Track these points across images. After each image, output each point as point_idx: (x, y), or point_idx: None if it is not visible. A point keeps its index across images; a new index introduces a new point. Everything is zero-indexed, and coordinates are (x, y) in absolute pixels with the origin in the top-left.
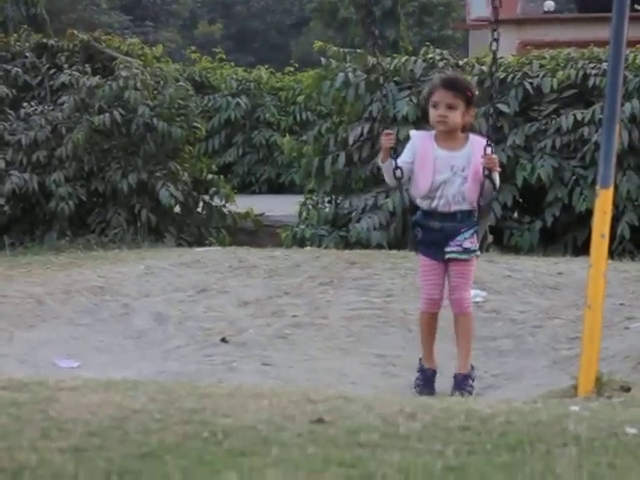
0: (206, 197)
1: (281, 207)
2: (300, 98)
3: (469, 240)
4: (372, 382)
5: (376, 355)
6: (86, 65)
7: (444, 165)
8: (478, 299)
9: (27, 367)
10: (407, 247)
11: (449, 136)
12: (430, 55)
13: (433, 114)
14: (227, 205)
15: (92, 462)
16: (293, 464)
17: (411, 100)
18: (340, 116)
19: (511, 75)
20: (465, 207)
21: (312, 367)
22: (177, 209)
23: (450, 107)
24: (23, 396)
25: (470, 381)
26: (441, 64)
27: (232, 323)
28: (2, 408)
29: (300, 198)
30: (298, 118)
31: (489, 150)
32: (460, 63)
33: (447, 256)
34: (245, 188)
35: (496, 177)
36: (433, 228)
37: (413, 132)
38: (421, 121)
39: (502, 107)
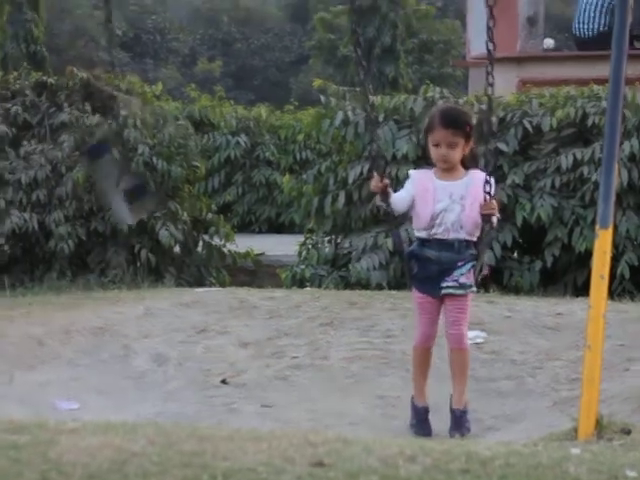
0: (206, 237)
1: (281, 247)
2: (300, 137)
3: (465, 276)
4: (372, 423)
5: (376, 396)
6: (86, 103)
7: (443, 194)
8: (478, 340)
9: (27, 408)
10: (407, 287)
11: (449, 170)
12: (430, 93)
13: (434, 153)
14: (227, 245)
15: None
16: None
17: (411, 139)
18: (340, 155)
19: (510, 114)
20: (462, 236)
21: (312, 408)
22: (177, 249)
23: (451, 145)
24: (23, 438)
25: (467, 416)
26: (441, 102)
27: (232, 364)
28: (2, 450)
29: (300, 238)
30: (298, 157)
31: (488, 188)
32: (460, 102)
33: (443, 292)
34: (245, 227)
35: (494, 219)
36: (430, 259)
37: (412, 171)
38: (421, 160)
39: (501, 146)
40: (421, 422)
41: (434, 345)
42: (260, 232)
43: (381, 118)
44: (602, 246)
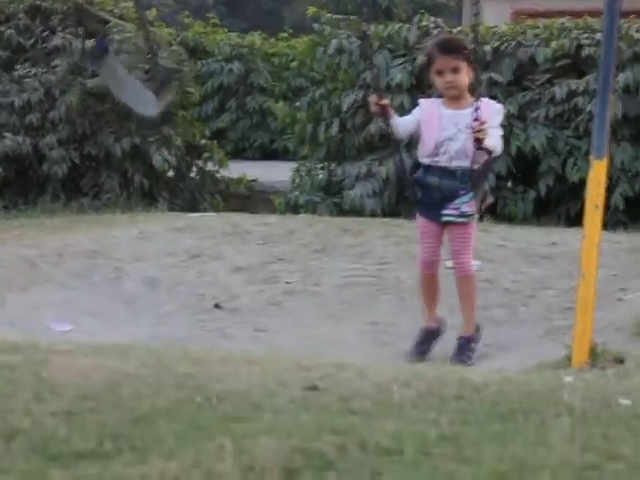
0: (199, 162)
1: (274, 173)
2: (294, 64)
3: (467, 204)
4: (365, 350)
5: (369, 323)
6: (79, 28)
7: (449, 122)
8: None
9: (19, 330)
10: (401, 214)
11: (457, 98)
12: (424, 23)
13: (440, 82)
14: (220, 170)
15: (84, 426)
16: (286, 431)
17: (405, 68)
18: (334, 83)
19: (505, 44)
20: (466, 164)
21: (305, 334)
22: (170, 174)
23: (455, 70)
24: (16, 359)
25: (472, 344)
26: (435, 32)
27: (225, 289)
28: None
29: (293, 164)
30: (292, 84)
31: (476, 114)
32: (454, 31)
33: (444, 219)
34: (238, 154)
35: (491, 143)
36: (432, 185)
37: (421, 99)
38: (415, 89)
39: (495, 76)
40: (420, 343)
41: (439, 269)
42: (254, 159)
43: (375, 47)
44: (596, 176)
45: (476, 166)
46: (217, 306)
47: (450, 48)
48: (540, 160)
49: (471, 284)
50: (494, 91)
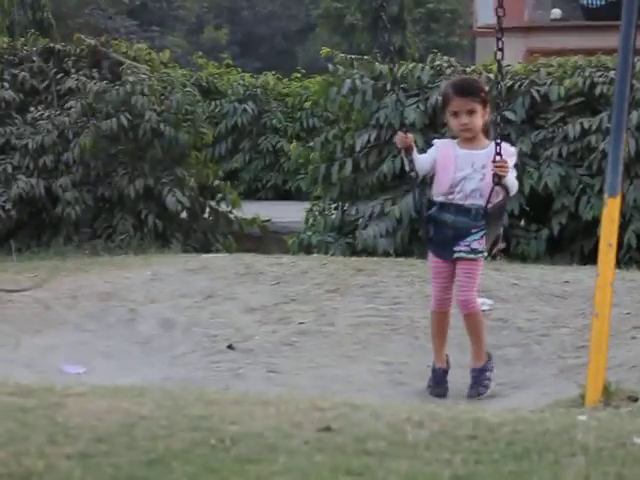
0: (213, 203)
1: (288, 214)
2: (307, 104)
3: (478, 241)
4: (379, 390)
5: (383, 363)
6: (93, 70)
7: (465, 162)
8: (485, 307)
9: (33, 373)
10: (414, 254)
11: (471, 140)
12: (437, 62)
13: (455, 123)
14: (234, 211)
15: (99, 468)
16: (300, 472)
17: (418, 107)
18: (347, 123)
19: (518, 83)
20: (480, 203)
21: (319, 374)
22: (184, 215)
23: (470, 113)
24: (30, 402)
25: (487, 373)
26: (448, 71)
27: (239, 330)
28: (10, 413)
29: (307, 205)
30: (305, 124)
31: (498, 149)
32: (467, 70)
33: (455, 255)
34: (251, 194)
35: (509, 182)
36: (446, 222)
37: (436, 140)
38: (428, 128)
39: (509, 115)
40: (438, 383)
41: (450, 309)
42: (267, 199)
43: (388, 86)
44: (610, 214)
45: (490, 205)
46: (230, 347)
47: (466, 90)
48: (553, 198)
49: (476, 319)
50: (507, 130)
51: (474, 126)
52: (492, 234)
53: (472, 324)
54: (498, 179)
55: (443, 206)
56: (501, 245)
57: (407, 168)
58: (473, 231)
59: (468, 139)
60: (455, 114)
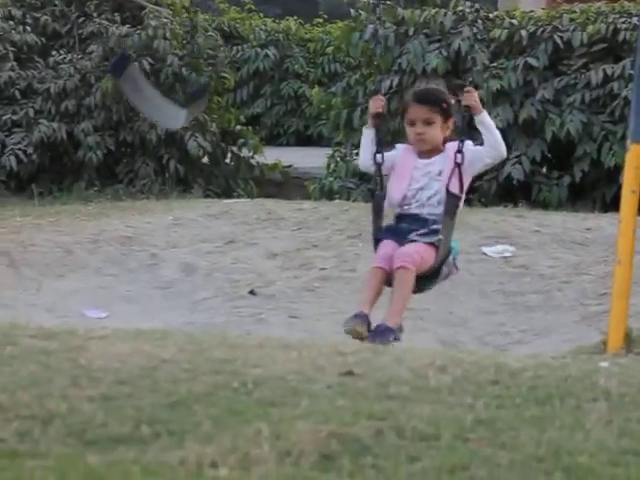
0: (234, 148)
1: (309, 159)
2: (329, 50)
3: (437, 226)
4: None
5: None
6: (115, 14)
7: (421, 174)
8: (507, 254)
9: (55, 316)
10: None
11: (431, 151)
12: (460, 8)
13: (410, 132)
14: (255, 156)
15: (121, 410)
16: (323, 416)
17: (441, 53)
18: (369, 68)
19: (541, 29)
20: (438, 212)
21: (340, 320)
22: (205, 160)
23: (428, 123)
24: (53, 344)
25: (391, 337)
26: (471, 17)
27: (260, 275)
28: (32, 356)
29: (328, 150)
30: (327, 70)
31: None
32: (490, 16)
33: (409, 239)
34: (273, 140)
35: (486, 119)
36: (400, 228)
37: (399, 145)
38: (450, 74)
39: (531, 61)
40: (354, 317)
41: (387, 271)
42: (288, 145)
43: (411, 32)
44: (633, 160)
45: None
46: (252, 292)
47: (426, 98)
48: (575, 145)
49: (408, 277)
50: (530, 76)
51: (431, 137)
52: (446, 242)
53: (401, 279)
54: (469, 113)
55: (398, 218)
56: (453, 274)
57: (364, 145)
58: (432, 227)
59: (423, 151)
60: (411, 122)
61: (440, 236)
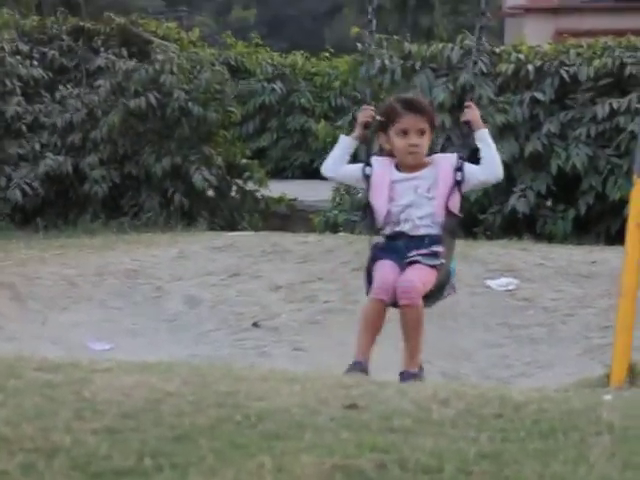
0: (240, 181)
1: (314, 192)
2: (335, 84)
3: (438, 247)
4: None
5: None
6: (122, 48)
7: (404, 188)
8: (510, 287)
9: (60, 349)
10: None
11: (415, 165)
12: (467, 42)
13: (402, 144)
14: (260, 190)
15: (126, 443)
16: (327, 449)
17: (447, 87)
18: (376, 102)
19: (547, 63)
20: (435, 232)
21: (344, 352)
22: (210, 193)
23: (421, 133)
24: (57, 377)
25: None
26: (476, 52)
27: (264, 308)
28: (37, 389)
29: (333, 184)
30: (333, 104)
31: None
32: (497, 51)
33: (410, 259)
34: (278, 173)
35: (486, 135)
36: (397, 246)
37: (374, 158)
38: (457, 109)
39: (538, 95)
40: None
41: (388, 302)
42: (294, 178)
43: (418, 66)
44: (639, 194)
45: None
46: (256, 325)
47: (419, 107)
48: (581, 179)
49: (417, 313)
50: (536, 110)
51: (422, 149)
52: (448, 286)
53: (411, 319)
54: (469, 127)
55: (390, 238)
56: (450, 293)
57: (340, 150)
58: (433, 248)
59: (410, 165)
60: (404, 132)
61: (442, 260)
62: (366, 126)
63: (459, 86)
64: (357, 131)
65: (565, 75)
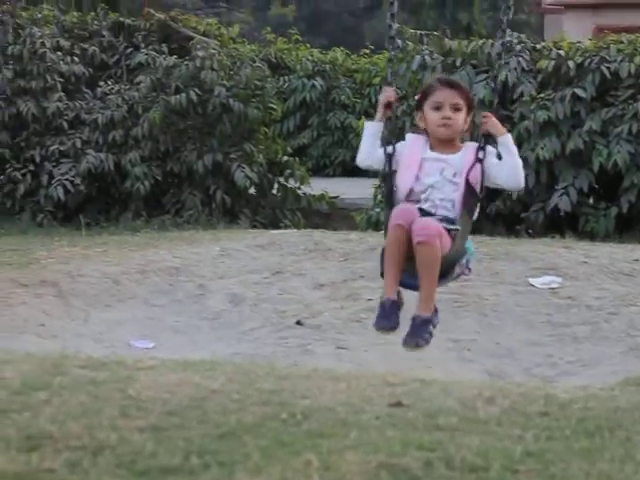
0: (281, 179)
1: (355, 190)
2: (376, 80)
3: (454, 225)
4: (447, 366)
5: (451, 340)
6: (163, 45)
7: (433, 168)
8: (554, 285)
9: (103, 347)
10: (482, 231)
11: (446, 142)
12: (507, 38)
13: (435, 117)
14: (302, 187)
15: (171, 441)
16: (372, 446)
17: (488, 83)
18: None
19: (588, 60)
20: (452, 215)
21: (387, 351)
22: (252, 190)
23: (456, 108)
24: (102, 375)
25: (431, 327)
26: (518, 47)
27: (307, 306)
28: (82, 386)
29: (374, 181)
30: (373, 100)
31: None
32: (537, 47)
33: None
34: (319, 171)
35: (508, 139)
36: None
37: (409, 134)
38: (498, 105)
39: (579, 92)
40: (385, 316)
41: (410, 232)
42: (334, 175)
43: (458, 63)
44: None
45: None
46: (299, 323)
47: (456, 84)
48: (623, 176)
49: (434, 251)
50: (577, 107)
51: (456, 124)
52: (459, 242)
53: (427, 256)
54: (486, 138)
55: None
56: (465, 273)
57: (368, 138)
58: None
59: (442, 141)
60: (437, 107)
61: (458, 226)
62: (388, 106)
63: (500, 82)
64: (379, 113)
65: (606, 71)
